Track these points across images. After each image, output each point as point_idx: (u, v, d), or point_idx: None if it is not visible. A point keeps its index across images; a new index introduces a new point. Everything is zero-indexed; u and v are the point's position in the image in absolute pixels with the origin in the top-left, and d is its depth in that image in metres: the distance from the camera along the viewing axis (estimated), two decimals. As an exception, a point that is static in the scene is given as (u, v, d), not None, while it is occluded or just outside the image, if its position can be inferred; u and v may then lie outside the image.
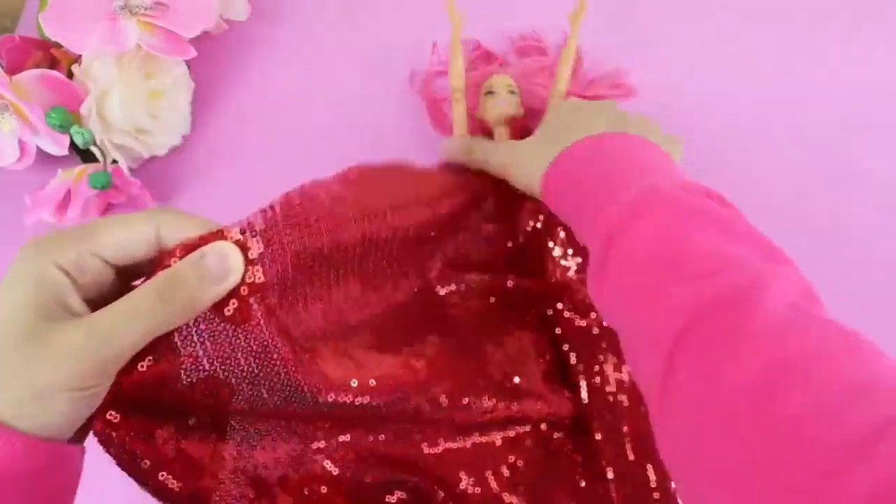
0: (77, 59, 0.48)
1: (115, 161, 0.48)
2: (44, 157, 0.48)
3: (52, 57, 0.49)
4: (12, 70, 0.46)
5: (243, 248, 0.28)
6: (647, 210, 0.30)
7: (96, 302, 0.26)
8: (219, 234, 0.28)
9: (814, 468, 0.20)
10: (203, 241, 0.27)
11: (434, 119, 0.52)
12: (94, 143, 0.47)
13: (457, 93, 0.47)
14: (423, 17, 0.56)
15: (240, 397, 0.30)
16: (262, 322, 0.29)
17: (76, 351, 0.24)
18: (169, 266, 0.26)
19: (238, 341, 0.29)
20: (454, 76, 0.47)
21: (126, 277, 0.28)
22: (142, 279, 0.27)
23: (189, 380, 0.28)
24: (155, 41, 0.47)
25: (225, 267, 0.27)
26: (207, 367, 0.28)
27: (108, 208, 0.51)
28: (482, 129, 0.48)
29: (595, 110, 0.40)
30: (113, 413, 0.27)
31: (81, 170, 0.47)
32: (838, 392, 0.22)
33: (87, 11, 0.46)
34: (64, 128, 0.46)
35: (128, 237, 0.27)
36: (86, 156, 0.48)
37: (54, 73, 0.46)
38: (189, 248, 0.27)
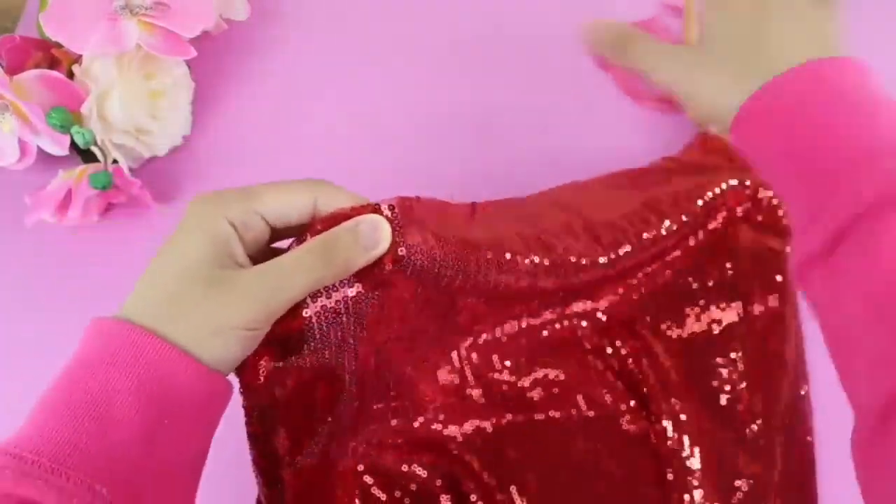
0: (77, 59, 0.48)
1: (115, 161, 0.48)
2: (44, 158, 0.48)
3: (53, 57, 0.49)
4: (12, 70, 0.46)
5: (391, 223, 0.30)
6: None
7: (253, 258, 0.29)
8: (370, 208, 0.30)
9: None
10: (355, 211, 0.30)
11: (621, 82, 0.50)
12: (95, 143, 0.47)
13: None
14: (424, 17, 0.56)
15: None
16: (403, 291, 0.32)
17: (253, 296, 0.27)
18: (319, 231, 0.29)
19: (373, 306, 0.32)
20: (689, 30, 0.47)
21: (277, 239, 0.31)
22: (290, 241, 0.31)
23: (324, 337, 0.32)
24: (155, 41, 0.47)
25: (377, 235, 0.29)
26: (344, 322, 0.32)
27: (108, 208, 0.51)
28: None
29: (787, 14, 0.31)
30: (265, 359, 0.31)
31: (82, 170, 0.47)
32: None
33: (88, 11, 0.46)
34: (64, 128, 0.46)
35: (290, 201, 0.29)
36: (86, 156, 0.48)
37: (54, 73, 0.46)
38: (342, 216, 0.30)
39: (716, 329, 0.42)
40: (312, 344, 0.32)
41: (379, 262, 0.30)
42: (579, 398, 0.40)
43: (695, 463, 0.39)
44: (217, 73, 0.55)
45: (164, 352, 0.26)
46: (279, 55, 0.56)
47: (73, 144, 0.47)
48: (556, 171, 0.46)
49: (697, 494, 0.38)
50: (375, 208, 0.30)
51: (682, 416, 0.39)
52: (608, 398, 0.40)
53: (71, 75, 0.48)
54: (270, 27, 0.57)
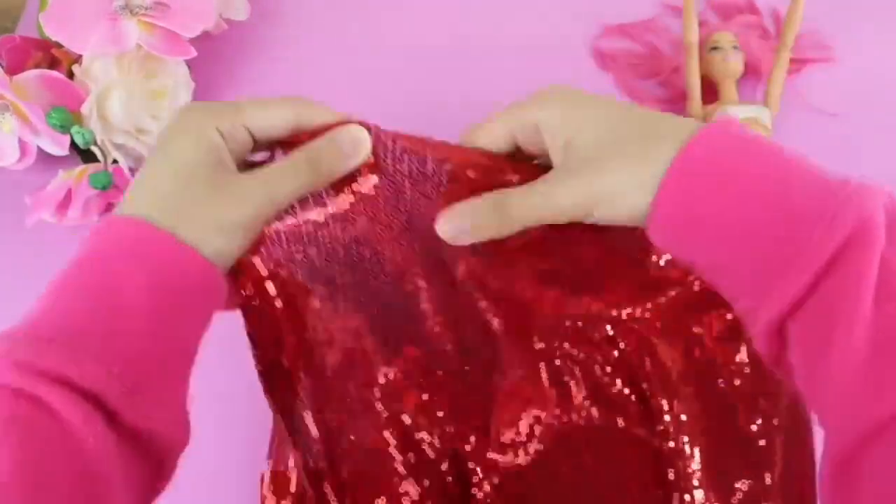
0: (77, 59, 0.48)
1: (115, 161, 0.48)
2: (45, 158, 0.48)
3: (53, 57, 0.49)
4: (13, 70, 0.46)
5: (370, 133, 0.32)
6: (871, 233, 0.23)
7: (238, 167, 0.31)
8: (351, 122, 0.32)
9: None
10: (337, 125, 0.32)
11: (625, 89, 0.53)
12: (95, 143, 0.47)
13: (691, 47, 0.49)
14: (424, 17, 0.56)
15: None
16: (378, 197, 0.34)
17: (253, 196, 0.29)
18: (304, 142, 0.31)
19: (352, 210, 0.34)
20: (689, 30, 0.49)
21: (257, 150, 0.33)
22: (264, 154, 0.33)
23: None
24: (155, 41, 0.47)
25: (357, 144, 0.31)
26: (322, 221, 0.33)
27: (108, 208, 0.51)
28: (705, 85, 0.50)
29: (637, 111, 0.31)
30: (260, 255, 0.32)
31: (82, 170, 0.47)
32: None
33: (88, 11, 0.46)
34: (64, 128, 0.46)
35: (273, 115, 0.31)
36: (86, 156, 0.48)
37: (54, 73, 0.46)
38: (324, 129, 0.32)
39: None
40: (298, 251, 0.33)
41: (359, 170, 0.32)
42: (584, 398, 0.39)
43: (695, 464, 0.39)
44: (217, 73, 0.55)
45: (174, 247, 0.28)
46: (279, 55, 0.56)
47: (73, 144, 0.47)
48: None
49: (698, 494, 0.38)
50: (354, 122, 0.32)
51: (683, 417, 0.39)
52: (611, 393, 0.40)
53: (71, 75, 0.48)
54: (270, 27, 0.57)
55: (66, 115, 0.46)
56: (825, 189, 0.25)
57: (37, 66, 0.48)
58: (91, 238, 0.28)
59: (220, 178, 0.29)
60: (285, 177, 0.30)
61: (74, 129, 0.46)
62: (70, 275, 0.28)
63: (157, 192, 0.29)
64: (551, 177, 0.30)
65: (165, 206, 0.28)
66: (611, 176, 0.28)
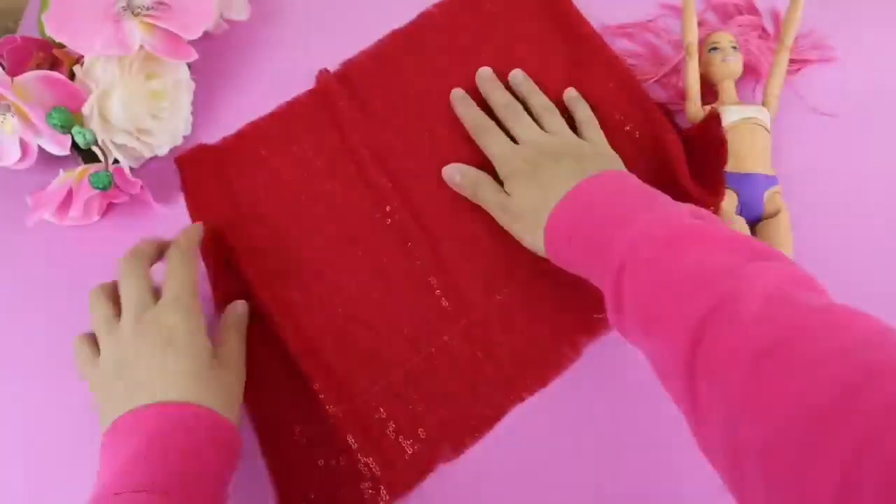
0: (79, 59, 0.48)
1: (116, 161, 0.48)
2: (45, 158, 0.48)
3: (54, 57, 0.49)
4: (14, 70, 0.46)
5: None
6: (644, 244, 0.35)
7: None
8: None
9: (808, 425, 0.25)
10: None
11: None
12: (96, 143, 0.47)
13: (690, 47, 0.49)
14: (424, 18, 0.56)
15: None
16: None
17: (238, 377, 0.43)
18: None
19: None
20: (688, 30, 0.49)
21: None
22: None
23: None
24: (156, 42, 0.47)
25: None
26: None
27: (108, 208, 0.51)
28: (704, 85, 0.51)
29: (552, 158, 0.44)
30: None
31: (83, 170, 0.47)
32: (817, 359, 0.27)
33: (90, 12, 0.46)
34: (65, 128, 0.46)
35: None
36: (87, 156, 0.48)
37: (55, 73, 0.46)
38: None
39: None
40: None
41: None
42: None
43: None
44: (217, 73, 0.55)
45: (219, 419, 0.39)
46: (279, 55, 0.56)
47: (74, 145, 0.47)
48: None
49: None
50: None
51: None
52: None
53: (72, 76, 0.48)
54: (271, 27, 0.57)
55: (67, 116, 0.46)
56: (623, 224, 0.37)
57: (38, 66, 0.48)
58: (153, 420, 0.37)
59: (213, 373, 0.41)
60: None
61: (75, 130, 0.46)
62: (144, 449, 0.36)
63: (181, 381, 0.39)
64: (504, 203, 0.46)
65: (196, 390, 0.39)
66: (521, 223, 0.45)
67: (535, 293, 0.46)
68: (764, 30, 0.53)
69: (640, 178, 0.42)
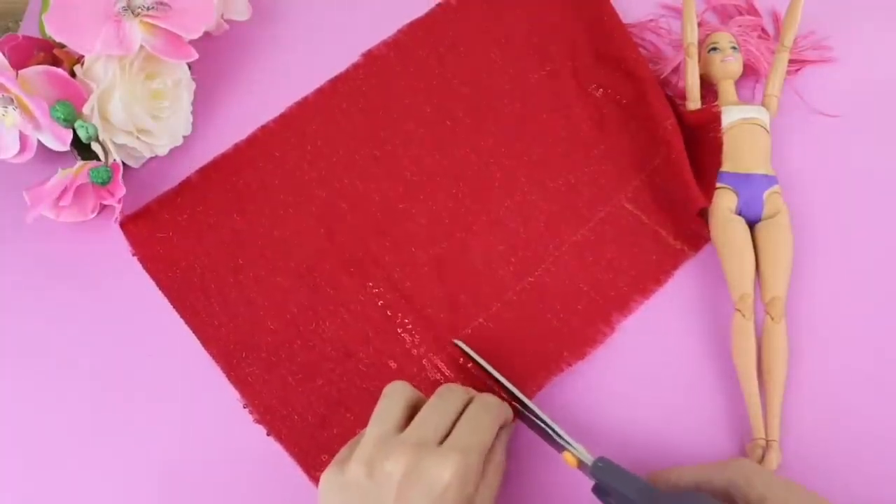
0: (79, 59, 0.48)
1: (114, 161, 0.48)
2: (44, 155, 0.48)
3: (55, 57, 0.50)
4: (16, 68, 0.46)
5: None
6: None
7: None
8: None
9: None
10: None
11: None
12: (97, 139, 0.47)
13: (690, 48, 0.50)
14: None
15: None
16: None
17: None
18: None
19: None
20: (688, 31, 0.50)
21: None
22: None
23: None
24: (157, 42, 0.47)
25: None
26: None
27: (100, 210, 0.50)
28: (704, 85, 0.51)
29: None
30: None
31: (81, 166, 0.47)
32: None
33: (90, 12, 0.46)
34: (68, 121, 0.46)
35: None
36: (86, 154, 0.48)
37: (59, 70, 0.46)
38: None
39: None
40: None
41: None
42: None
43: None
44: (218, 73, 0.55)
45: None
46: (279, 55, 0.56)
47: (74, 141, 0.47)
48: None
49: None
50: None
51: None
52: None
53: (72, 76, 0.48)
54: (271, 27, 0.57)
55: (71, 109, 0.46)
56: None
57: (39, 65, 0.48)
58: None
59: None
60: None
61: (78, 123, 0.46)
62: None
63: None
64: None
65: None
66: None
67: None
68: (764, 30, 0.53)
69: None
